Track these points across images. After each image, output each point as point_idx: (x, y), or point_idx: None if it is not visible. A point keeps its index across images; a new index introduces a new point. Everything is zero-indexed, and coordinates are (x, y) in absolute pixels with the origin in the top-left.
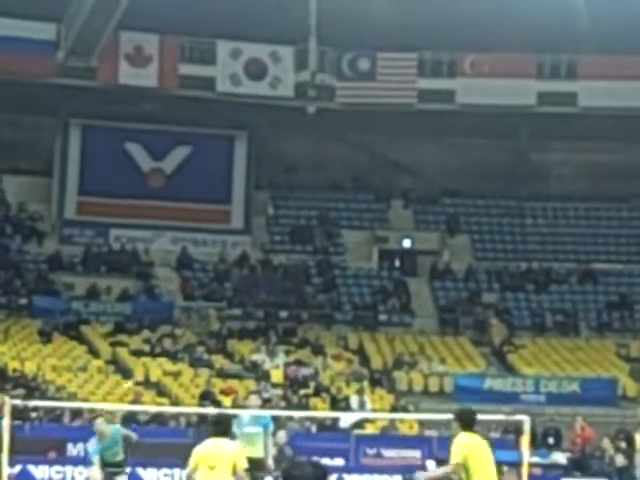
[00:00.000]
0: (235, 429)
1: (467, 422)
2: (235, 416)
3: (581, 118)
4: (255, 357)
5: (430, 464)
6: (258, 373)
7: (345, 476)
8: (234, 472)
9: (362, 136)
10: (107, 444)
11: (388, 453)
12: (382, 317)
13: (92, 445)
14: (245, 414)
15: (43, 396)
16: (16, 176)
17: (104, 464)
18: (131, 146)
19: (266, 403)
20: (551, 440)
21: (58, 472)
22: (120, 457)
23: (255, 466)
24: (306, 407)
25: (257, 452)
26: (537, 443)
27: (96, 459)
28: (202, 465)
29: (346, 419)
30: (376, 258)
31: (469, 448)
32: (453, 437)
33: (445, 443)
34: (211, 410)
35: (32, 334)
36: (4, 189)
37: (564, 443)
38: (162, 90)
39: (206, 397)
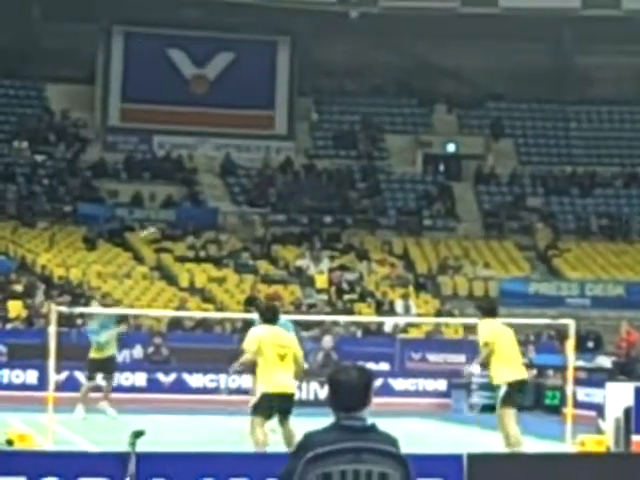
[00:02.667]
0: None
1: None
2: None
3: (626, 21)
4: (299, 262)
5: (475, 368)
6: (302, 278)
7: (390, 380)
8: (295, 359)
9: (405, 41)
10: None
11: (433, 357)
12: (427, 222)
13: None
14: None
15: (88, 303)
16: (59, 84)
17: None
18: (173, 52)
19: (311, 308)
20: (590, 344)
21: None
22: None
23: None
24: (351, 312)
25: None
26: (582, 347)
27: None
28: (269, 353)
29: (390, 324)
30: (420, 163)
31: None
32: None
33: None
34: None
35: (77, 241)
36: (48, 97)
37: (606, 347)
38: None
39: (251, 303)
